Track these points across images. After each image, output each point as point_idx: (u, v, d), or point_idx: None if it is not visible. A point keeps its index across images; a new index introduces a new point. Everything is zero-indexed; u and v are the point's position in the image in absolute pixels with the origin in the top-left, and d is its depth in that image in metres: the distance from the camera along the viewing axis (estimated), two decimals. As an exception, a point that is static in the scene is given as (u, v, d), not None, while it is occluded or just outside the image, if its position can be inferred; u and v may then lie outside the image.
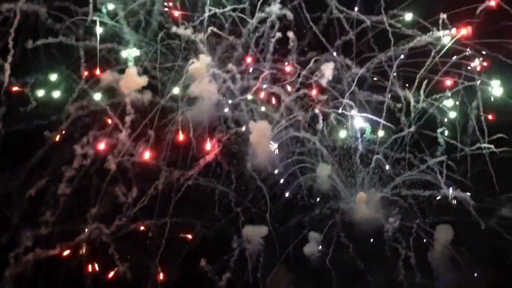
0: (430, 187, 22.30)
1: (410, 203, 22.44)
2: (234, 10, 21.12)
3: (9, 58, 19.36)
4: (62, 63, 21.14)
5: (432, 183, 22.23)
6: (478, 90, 21.63)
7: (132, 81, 20.63)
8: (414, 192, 22.22)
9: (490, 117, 21.65)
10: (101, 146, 20.95)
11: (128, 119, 20.86)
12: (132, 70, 20.71)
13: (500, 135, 21.46)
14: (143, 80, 20.82)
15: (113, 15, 20.63)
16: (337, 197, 22.23)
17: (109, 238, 20.81)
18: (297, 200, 22.65)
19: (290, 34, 21.35)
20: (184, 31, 20.57)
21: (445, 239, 21.56)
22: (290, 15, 20.86)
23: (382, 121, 20.93)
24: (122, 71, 20.75)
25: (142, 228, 21.35)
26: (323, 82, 20.77)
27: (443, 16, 20.59)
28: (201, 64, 21.05)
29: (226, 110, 21.86)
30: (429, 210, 22.32)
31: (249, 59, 21.90)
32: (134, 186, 21.22)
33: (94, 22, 20.08)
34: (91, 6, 19.90)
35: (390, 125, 21.22)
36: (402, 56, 20.92)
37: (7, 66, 19.26)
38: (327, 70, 20.68)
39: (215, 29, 20.64)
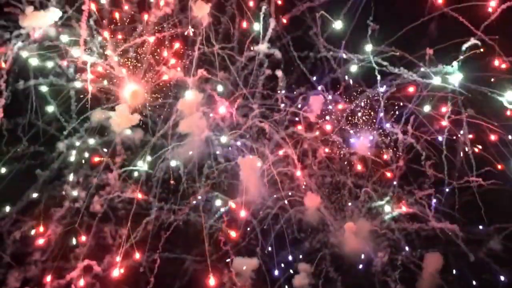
0: (418, 220, 22.35)
1: (398, 236, 21.56)
2: (223, 48, 20.30)
3: (1, 100, 18.69)
4: (53, 102, 20.78)
5: (420, 215, 21.92)
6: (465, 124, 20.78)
7: (123, 119, 19.83)
8: (403, 225, 21.26)
9: (476, 150, 21.27)
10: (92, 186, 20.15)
11: (118, 159, 20.02)
12: (123, 107, 20.18)
13: (488, 168, 21.16)
14: (135, 118, 20.29)
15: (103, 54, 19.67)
16: (326, 230, 21.19)
17: (100, 274, 19.81)
18: (287, 233, 21.60)
19: (279, 72, 20.92)
20: (173, 73, 19.87)
21: (434, 267, 21.48)
22: (278, 54, 20.23)
23: (370, 156, 20.42)
24: (112, 109, 20.40)
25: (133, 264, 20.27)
26: (311, 117, 20.38)
27: (429, 51, 19.73)
28: (190, 101, 20.78)
29: (216, 146, 21.51)
30: (418, 241, 21.82)
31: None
32: (125, 224, 20.21)
33: (84, 63, 19.29)
34: (81, 48, 19.21)
35: (378, 159, 20.61)
36: (388, 93, 20.31)
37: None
38: (315, 105, 20.28)
39: (204, 72, 19.82)
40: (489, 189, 21.55)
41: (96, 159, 21.59)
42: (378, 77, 21.40)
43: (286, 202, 22.26)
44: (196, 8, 20.43)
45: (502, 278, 21.63)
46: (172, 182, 21.27)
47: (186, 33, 21.36)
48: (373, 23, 21.14)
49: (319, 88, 22.02)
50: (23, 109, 20.80)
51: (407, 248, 22.25)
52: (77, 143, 21.28)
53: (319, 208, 22.00)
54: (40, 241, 20.68)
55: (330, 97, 21.94)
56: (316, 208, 22.00)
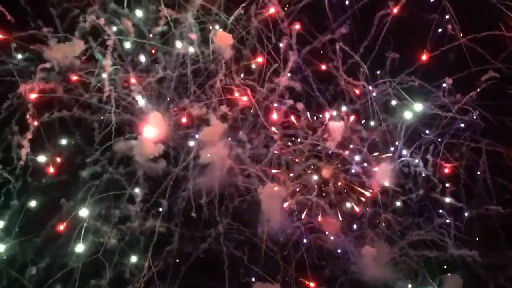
0: (437, 246, 22.42)
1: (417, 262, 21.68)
2: (244, 80, 20.65)
3: (28, 135, 18.93)
4: (76, 134, 21.06)
5: (439, 243, 22.08)
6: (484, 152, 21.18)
7: (146, 149, 20.14)
8: (422, 252, 21.55)
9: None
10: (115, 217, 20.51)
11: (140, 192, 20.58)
12: (146, 138, 20.52)
13: (508, 196, 21.46)
14: (158, 148, 20.48)
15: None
16: (346, 257, 21.48)
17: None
18: (307, 261, 21.84)
19: (300, 105, 21.00)
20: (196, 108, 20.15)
21: (454, 288, 20.50)
22: (298, 86, 20.45)
23: (390, 185, 20.64)
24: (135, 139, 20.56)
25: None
26: (332, 145, 20.62)
27: (448, 81, 19.97)
28: (213, 131, 20.68)
29: (237, 176, 21.53)
30: (437, 268, 21.68)
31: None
32: (147, 253, 20.70)
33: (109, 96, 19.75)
34: (106, 81, 19.54)
35: (397, 189, 20.84)
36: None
37: (25, 143, 18.90)
38: (336, 133, 20.53)
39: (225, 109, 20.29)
40: (509, 215, 21.06)
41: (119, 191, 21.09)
42: (396, 108, 20.92)
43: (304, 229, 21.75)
44: (218, 38, 20.29)
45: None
46: (193, 214, 20.74)
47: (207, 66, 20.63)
48: (392, 53, 20.72)
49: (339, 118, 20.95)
50: (48, 140, 20.16)
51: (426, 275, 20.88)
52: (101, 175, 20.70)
53: (338, 235, 20.88)
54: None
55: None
56: (335, 234, 21.13)
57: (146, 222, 21.53)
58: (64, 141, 21.52)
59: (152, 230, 21.63)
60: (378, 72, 21.99)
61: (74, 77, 20.80)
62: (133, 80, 20.86)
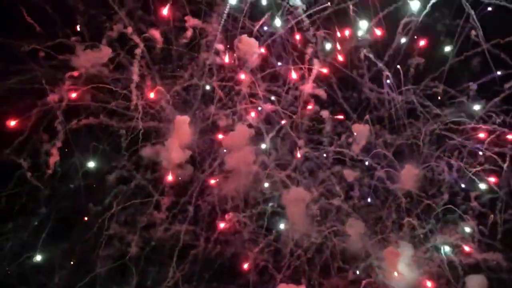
0: (461, 251, 22.33)
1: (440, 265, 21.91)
2: (269, 87, 21.00)
3: (58, 143, 19.18)
4: (103, 140, 21.26)
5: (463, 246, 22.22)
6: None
7: (173, 155, 20.43)
8: (445, 256, 21.90)
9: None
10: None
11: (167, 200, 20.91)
12: (173, 142, 20.56)
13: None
14: (185, 154, 20.74)
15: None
16: (370, 259, 21.67)
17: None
18: (330, 263, 22.08)
19: (325, 113, 21.13)
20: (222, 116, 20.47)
21: (479, 288, 20.62)
22: (323, 94, 20.62)
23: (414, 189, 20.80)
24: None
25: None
26: (356, 149, 20.79)
27: (473, 86, 20.31)
28: (238, 137, 21.08)
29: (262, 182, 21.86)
30: (461, 271, 21.87)
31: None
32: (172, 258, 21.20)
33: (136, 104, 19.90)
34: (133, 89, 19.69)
35: (421, 193, 21.01)
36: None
37: (54, 151, 19.04)
38: (360, 137, 20.70)
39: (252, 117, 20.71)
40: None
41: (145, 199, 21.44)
42: (421, 114, 21.31)
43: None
44: (243, 44, 20.52)
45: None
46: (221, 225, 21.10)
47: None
48: (416, 58, 20.88)
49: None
50: (76, 148, 20.54)
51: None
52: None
53: (362, 237, 21.26)
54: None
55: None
56: (359, 237, 21.41)
57: (172, 227, 21.53)
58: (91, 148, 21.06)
59: (177, 235, 21.55)
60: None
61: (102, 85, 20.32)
62: (160, 88, 20.53)
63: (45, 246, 21.32)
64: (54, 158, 20.06)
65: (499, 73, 21.23)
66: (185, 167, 21.72)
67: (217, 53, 20.98)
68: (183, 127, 20.88)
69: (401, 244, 22.33)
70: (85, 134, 21.24)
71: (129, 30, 20.37)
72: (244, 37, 21.22)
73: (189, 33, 21.09)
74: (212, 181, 22.15)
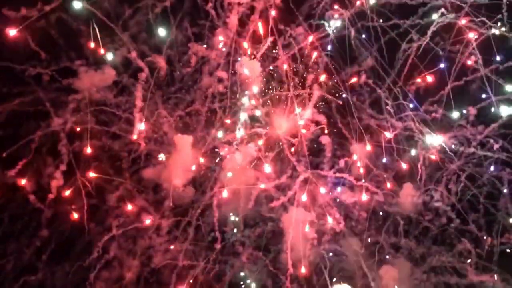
0: (458, 273, 22.93)
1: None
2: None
3: (61, 166, 19.88)
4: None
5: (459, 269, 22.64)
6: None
7: (175, 176, 20.83)
8: (442, 279, 22.35)
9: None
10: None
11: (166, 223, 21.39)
12: (174, 163, 20.89)
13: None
14: (186, 175, 21.17)
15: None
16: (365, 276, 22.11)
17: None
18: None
19: (325, 138, 21.96)
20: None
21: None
22: (323, 119, 21.21)
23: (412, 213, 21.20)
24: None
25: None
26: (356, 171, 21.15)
27: (472, 111, 21.48)
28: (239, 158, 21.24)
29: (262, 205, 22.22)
30: None
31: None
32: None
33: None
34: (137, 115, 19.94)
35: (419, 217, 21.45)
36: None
37: (58, 175, 19.49)
38: (360, 159, 21.11)
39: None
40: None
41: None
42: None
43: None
44: (246, 66, 21.07)
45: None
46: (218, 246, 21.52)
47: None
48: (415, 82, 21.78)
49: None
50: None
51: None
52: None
53: (359, 256, 21.67)
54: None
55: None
56: (356, 256, 21.87)
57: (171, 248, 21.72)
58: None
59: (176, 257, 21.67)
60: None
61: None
62: (162, 111, 21.02)
63: (46, 267, 21.54)
64: (58, 182, 19.85)
65: (495, 98, 21.10)
66: (186, 189, 21.60)
67: (220, 80, 20.50)
68: (185, 147, 20.83)
69: (398, 263, 22.33)
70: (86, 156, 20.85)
71: (133, 54, 20.23)
72: (246, 59, 21.10)
73: (193, 60, 20.61)
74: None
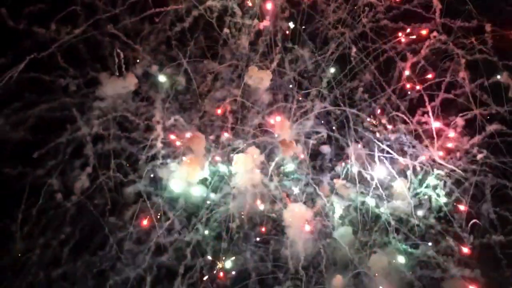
0: (441, 268, 24.44)
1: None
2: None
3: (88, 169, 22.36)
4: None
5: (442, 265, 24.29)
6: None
7: (187, 174, 23.00)
8: (426, 272, 24.73)
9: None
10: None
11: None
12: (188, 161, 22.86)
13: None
14: (199, 174, 23.18)
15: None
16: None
17: None
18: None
19: (325, 147, 24.47)
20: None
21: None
22: (324, 130, 24.21)
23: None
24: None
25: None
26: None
27: (460, 122, 24.11)
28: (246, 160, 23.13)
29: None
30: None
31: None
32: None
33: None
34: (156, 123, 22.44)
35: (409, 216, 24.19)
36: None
37: (84, 178, 22.09)
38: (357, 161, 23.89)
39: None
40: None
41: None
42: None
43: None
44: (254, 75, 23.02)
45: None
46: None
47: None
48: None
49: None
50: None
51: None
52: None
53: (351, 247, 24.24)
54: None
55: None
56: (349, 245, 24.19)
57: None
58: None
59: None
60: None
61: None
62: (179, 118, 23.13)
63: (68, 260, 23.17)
64: (83, 184, 21.95)
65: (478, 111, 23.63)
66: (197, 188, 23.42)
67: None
68: (199, 145, 22.81)
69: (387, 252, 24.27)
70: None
71: (153, 68, 22.38)
72: (254, 68, 23.07)
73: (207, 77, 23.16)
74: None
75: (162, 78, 23.43)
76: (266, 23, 23.64)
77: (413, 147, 24.39)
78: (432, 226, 25.04)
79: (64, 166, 22.96)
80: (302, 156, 24.55)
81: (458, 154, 24.50)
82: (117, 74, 22.46)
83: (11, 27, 21.06)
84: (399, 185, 24.66)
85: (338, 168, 24.87)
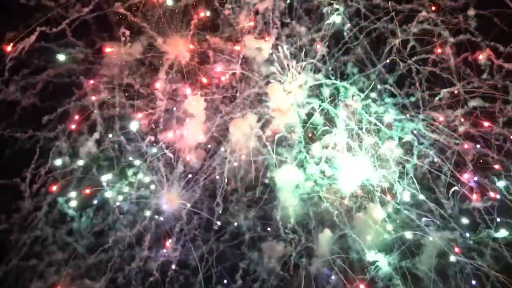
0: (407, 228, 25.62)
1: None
2: None
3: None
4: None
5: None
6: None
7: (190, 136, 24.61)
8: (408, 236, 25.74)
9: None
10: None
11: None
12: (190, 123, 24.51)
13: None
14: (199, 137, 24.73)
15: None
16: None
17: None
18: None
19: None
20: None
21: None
22: None
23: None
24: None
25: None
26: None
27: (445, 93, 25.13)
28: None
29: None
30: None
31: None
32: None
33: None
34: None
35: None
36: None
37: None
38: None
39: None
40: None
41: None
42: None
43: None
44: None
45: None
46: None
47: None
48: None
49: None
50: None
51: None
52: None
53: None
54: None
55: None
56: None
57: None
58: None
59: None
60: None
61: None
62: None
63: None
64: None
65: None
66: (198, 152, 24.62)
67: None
68: (198, 106, 24.10)
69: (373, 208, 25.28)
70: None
71: (159, 41, 23.50)
72: (251, 37, 24.39)
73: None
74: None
75: (165, 49, 23.69)
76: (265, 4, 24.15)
77: (399, 121, 24.94)
78: (415, 194, 25.63)
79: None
80: (294, 124, 25.19)
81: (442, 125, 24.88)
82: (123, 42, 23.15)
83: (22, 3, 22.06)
84: (385, 153, 25.45)
85: (328, 137, 25.43)
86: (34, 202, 23.98)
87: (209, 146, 25.44)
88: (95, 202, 24.97)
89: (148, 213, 24.94)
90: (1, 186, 23.49)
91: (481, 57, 24.22)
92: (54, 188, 24.16)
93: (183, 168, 24.77)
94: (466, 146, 25.17)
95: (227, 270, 26.09)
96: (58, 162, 24.00)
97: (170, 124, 24.76)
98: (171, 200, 25.07)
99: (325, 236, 25.45)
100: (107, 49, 23.79)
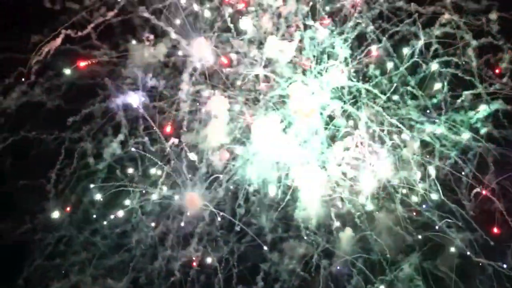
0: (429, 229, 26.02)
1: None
2: None
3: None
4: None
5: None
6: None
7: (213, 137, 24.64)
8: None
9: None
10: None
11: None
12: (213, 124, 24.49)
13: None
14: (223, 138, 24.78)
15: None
16: None
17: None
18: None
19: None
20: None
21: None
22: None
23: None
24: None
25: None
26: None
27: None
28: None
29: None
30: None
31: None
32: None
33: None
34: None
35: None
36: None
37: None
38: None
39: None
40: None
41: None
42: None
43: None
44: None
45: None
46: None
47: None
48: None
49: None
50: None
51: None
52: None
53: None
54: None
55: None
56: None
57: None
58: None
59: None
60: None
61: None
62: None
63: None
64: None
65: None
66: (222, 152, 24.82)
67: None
68: (222, 108, 24.31)
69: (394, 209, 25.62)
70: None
71: (182, 43, 23.64)
72: (274, 37, 24.69)
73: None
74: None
75: (189, 51, 23.93)
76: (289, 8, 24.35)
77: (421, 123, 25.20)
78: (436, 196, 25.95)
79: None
80: (316, 126, 25.42)
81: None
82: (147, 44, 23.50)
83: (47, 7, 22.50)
84: (407, 154, 25.68)
85: (349, 139, 25.61)
86: (60, 203, 23.90)
87: (232, 147, 25.10)
88: (118, 202, 24.72)
89: (171, 214, 24.93)
90: (27, 186, 23.44)
91: (503, 61, 24.44)
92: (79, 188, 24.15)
93: (206, 169, 24.28)
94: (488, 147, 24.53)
95: (248, 271, 26.06)
96: (83, 163, 24.00)
97: (193, 125, 24.54)
98: (193, 201, 24.86)
99: (346, 235, 25.63)
100: (131, 51, 23.62)
